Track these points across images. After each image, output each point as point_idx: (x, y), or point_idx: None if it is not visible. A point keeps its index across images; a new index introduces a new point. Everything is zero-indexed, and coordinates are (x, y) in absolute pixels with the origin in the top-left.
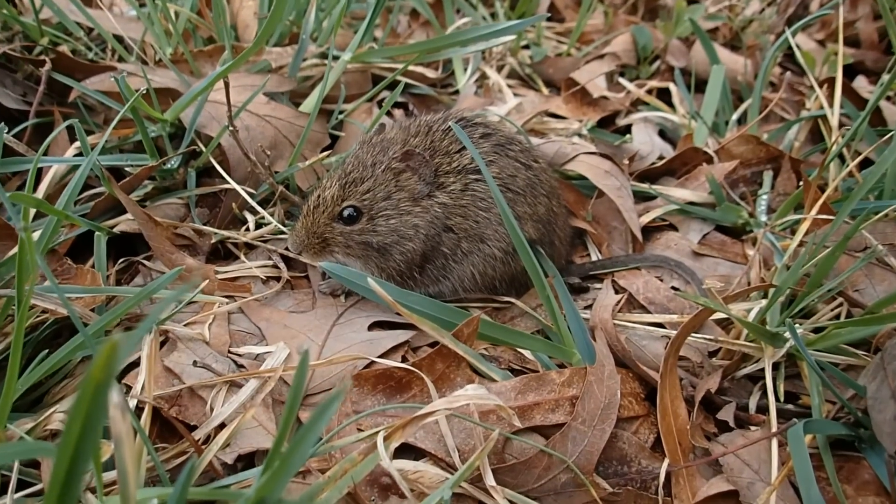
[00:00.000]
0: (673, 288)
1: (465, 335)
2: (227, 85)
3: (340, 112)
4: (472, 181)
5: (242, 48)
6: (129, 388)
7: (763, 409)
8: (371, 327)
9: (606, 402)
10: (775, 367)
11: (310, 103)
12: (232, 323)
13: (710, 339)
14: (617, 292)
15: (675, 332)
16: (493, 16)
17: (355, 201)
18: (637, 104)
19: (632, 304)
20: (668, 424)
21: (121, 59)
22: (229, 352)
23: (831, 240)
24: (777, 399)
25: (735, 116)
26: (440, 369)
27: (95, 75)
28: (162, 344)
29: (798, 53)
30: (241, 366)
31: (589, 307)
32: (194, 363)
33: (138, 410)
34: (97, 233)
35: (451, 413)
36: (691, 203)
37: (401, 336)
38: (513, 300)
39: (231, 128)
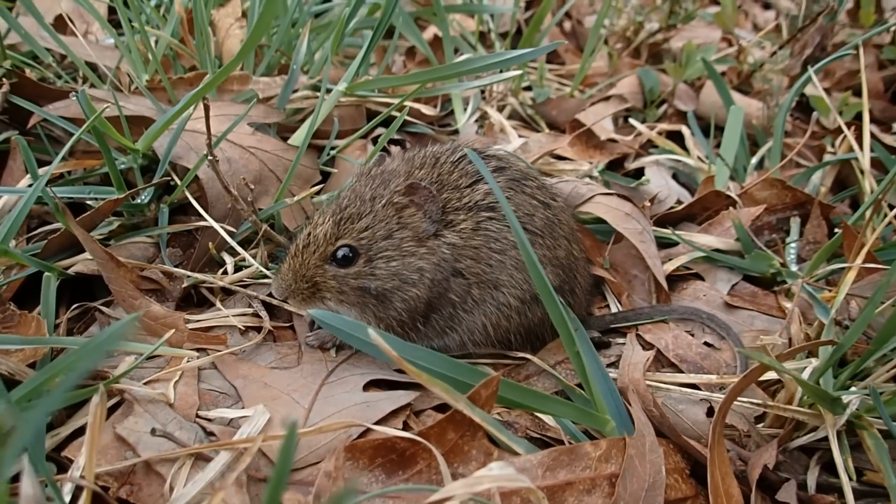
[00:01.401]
0: (706, 344)
1: (482, 398)
2: (206, 108)
3: (332, 148)
4: (485, 219)
5: (227, 77)
6: (69, 463)
7: (825, 487)
8: (367, 387)
9: (651, 481)
10: (837, 436)
11: (299, 136)
12: (203, 381)
13: (756, 404)
14: (643, 348)
15: (711, 394)
16: None
17: (351, 240)
18: (646, 147)
19: (660, 361)
20: None
21: (93, 87)
22: (198, 416)
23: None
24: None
25: (755, 160)
26: (452, 440)
27: (60, 101)
28: (116, 406)
29: (823, 93)
30: (212, 433)
31: (613, 365)
32: (152, 431)
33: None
34: (46, 273)
35: (472, 499)
36: (717, 250)
37: (402, 398)
38: (529, 356)
39: (210, 157)
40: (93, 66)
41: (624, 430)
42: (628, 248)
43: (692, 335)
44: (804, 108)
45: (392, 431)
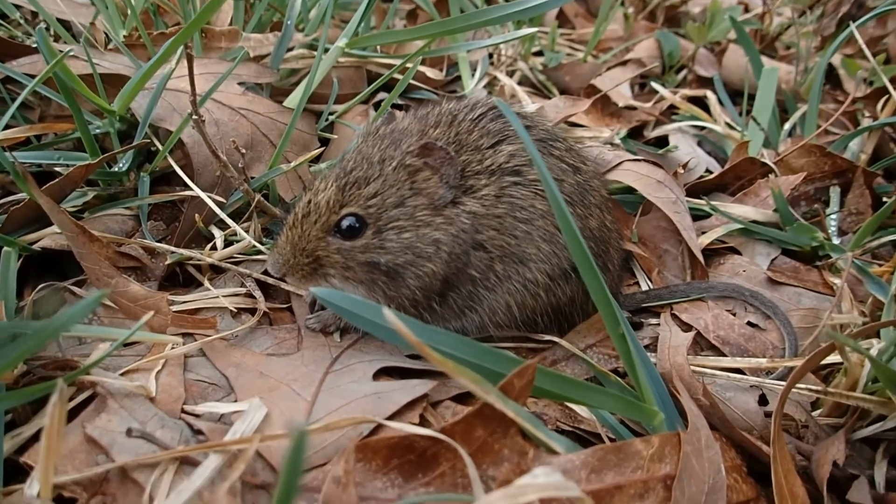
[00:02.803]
0: (749, 324)
1: (515, 389)
2: (189, 59)
3: (331, 113)
4: (510, 185)
5: (214, 32)
6: (28, 470)
7: (893, 483)
8: (376, 375)
9: (711, 482)
10: None
11: (295, 97)
12: (189, 370)
13: (814, 391)
14: (680, 330)
15: (763, 380)
16: None
17: (358, 208)
18: (667, 115)
19: (698, 344)
20: None
21: (63, 44)
22: (183, 411)
23: None
24: None
25: (787, 126)
26: (480, 437)
27: (26, 57)
28: (86, 402)
29: (866, 49)
30: (200, 432)
31: (647, 349)
32: (128, 432)
33: None
34: (6, 248)
35: None
36: (755, 222)
37: (417, 388)
38: (556, 339)
39: (195, 116)
40: (66, 25)
41: (673, 424)
42: (658, 221)
43: (734, 314)
44: (828, 75)
45: (410, 428)
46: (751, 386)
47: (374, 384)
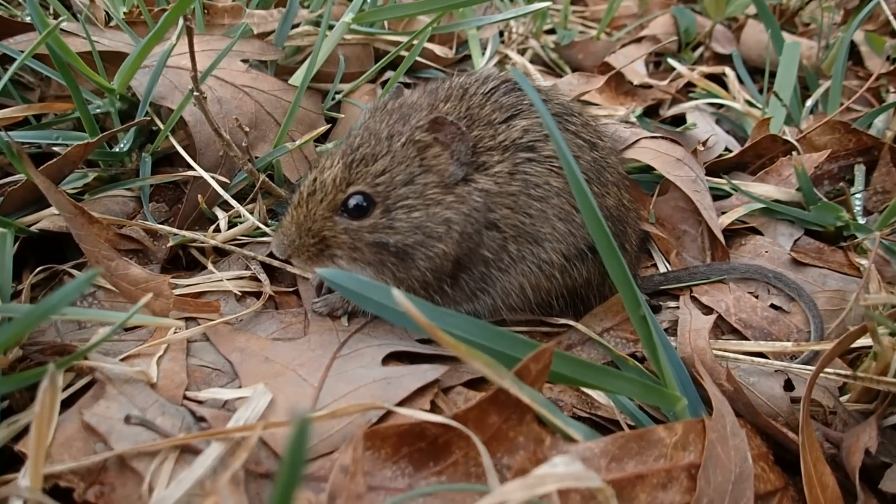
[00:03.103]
0: (773, 306)
1: (532, 374)
2: (189, 32)
3: (338, 92)
4: (524, 161)
5: (216, 8)
6: (25, 459)
7: None
8: (385, 360)
9: (738, 471)
10: None
11: (300, 75)
12: (192, 355)
13: (843, 376)
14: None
15: (788, 364)
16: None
17: (365, 186)
18: (682, 93)
19: (719, 327)
20: (815, 501)
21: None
22: (185, 397)
23: None
24: None
25: (809, 103)
26: (494, 424)
27: (23, 34)
28: (85, 388)
29: None
30: (202, 419)
31: (667, 332)
32: (127, 419)
33: None
34: (1, 229)
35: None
36: (777, 201)
37: (428, 373)
38: (572, 323)
39: (197, 92)
40: (67, 4)
41: (696, 410)
42: (676, 200)
43: (756, 297)
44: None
45: (420, 415)
46: (776, 371)
47: (383, 369)
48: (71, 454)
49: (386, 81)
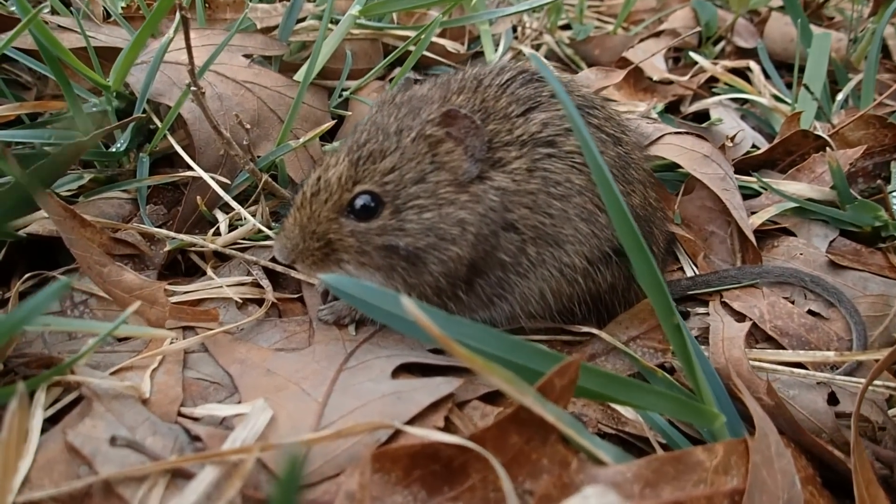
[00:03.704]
0: (810, 312)
1: (556, 390)
2: (185, 23)
3: (345, 89)
4: (543, 157)
5: (218, 2)
6: None
7: None
8: (396, 372)
9: (786, 497)
10: None
11: (305, 69)
12: (189, 367)
13: (892, 388)
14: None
15: (832, 376)
16: None
17: (373, 185)
18: (704, 89)
19: (752, 335)
20: None
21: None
22: (180, 414)
23: None
24: None
25: (840, 97)
26: (515, 445)
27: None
28: (72, 405)
29: None
30: (197, 437)
31: (697, 340)
32: (112, 440)
33: None
34: None
35: None
36: (810, 200)
37: (441, 387)
38: (595, 331)
39: (195, 88)
40: (66, 1)
41: (735, 428)
42: (702, 200)
43: (792, 302)
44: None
45: (434, 434)
46: (818, 383)
47: (392, 383)
48: (52, 479)
49: (395, 78)
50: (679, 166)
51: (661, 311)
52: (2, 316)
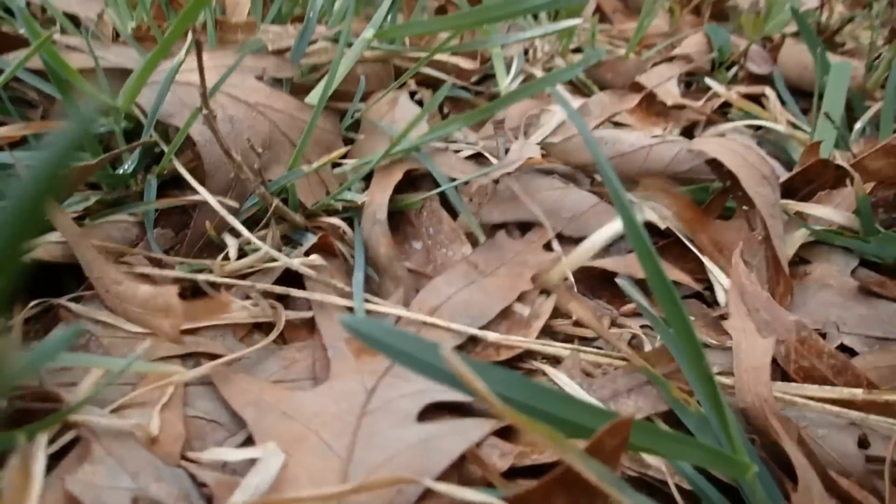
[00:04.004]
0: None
1: (606, 450)
2: (198, 45)
3: (357, 111)
4: None
5: (230, 24)
6: None
7: None
8: (422, 414)
9: None
10: None
11: (317, 93)
12: (188, 403)
13: None
14: None
15: (865, 415)
16: (535, 18)
17: None
18: (718, 113)
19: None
20: None
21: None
22: (183, 457)
23: None
24: None
25: (859, 125)
26: None
27: (26, 49)
28: (68, 447)
29: None
30: (204, 484)
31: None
32: (134, 502)
33: None
34: None
35: None
36: (843, 228)
37: (472, 430)
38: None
39: (205, 110)
40: (75, 21)
41: (766, 476)
42: (742, 224)
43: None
44: None
45: (468, 495)
46: (848, 423)
47: (419, 428)
48: None
49: (412, 92)
50: (702, 180)
51: (688, 346)
52: (11, 360)
